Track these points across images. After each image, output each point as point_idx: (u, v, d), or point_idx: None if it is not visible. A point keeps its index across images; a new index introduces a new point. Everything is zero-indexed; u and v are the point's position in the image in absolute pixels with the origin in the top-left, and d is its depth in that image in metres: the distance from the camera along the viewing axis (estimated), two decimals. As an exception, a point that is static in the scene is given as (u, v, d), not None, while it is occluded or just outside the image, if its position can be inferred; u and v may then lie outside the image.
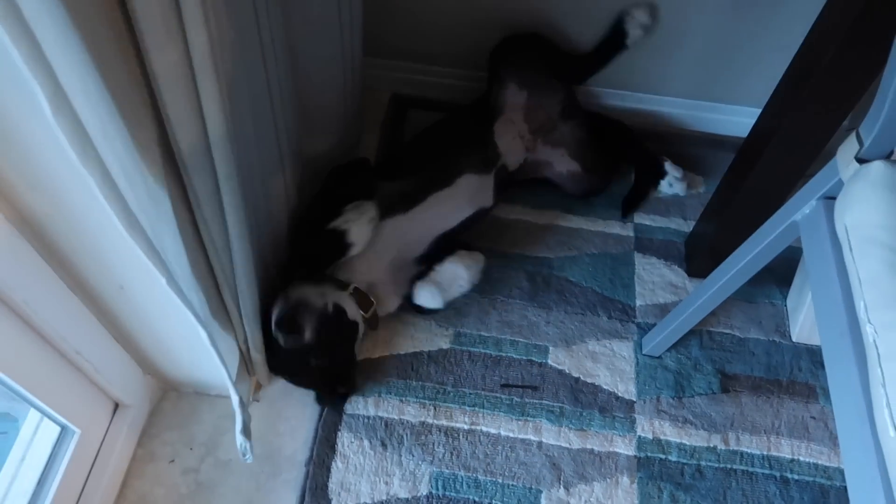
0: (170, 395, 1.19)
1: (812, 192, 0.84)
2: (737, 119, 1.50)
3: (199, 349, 0.90)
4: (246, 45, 0.79)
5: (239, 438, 1.01)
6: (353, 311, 1.14)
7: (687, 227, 1.42)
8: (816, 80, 0.97)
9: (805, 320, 1.25)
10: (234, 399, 0.97)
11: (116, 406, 1.11)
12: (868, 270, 0.69)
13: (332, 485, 1.11)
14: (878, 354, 0.65)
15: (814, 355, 1.27)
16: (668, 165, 1.44)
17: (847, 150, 0.77)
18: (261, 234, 1.03)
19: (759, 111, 1.18)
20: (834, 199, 0.80)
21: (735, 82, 1.47)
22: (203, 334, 0.83)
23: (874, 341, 0.66)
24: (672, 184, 1.45)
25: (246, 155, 0.84)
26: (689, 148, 1.54)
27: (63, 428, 1.01)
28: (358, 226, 1.11)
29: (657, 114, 1.55)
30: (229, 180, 0.76)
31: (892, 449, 0.61)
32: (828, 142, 1.05)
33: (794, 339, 1.28)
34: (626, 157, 1.49)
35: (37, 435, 1.02)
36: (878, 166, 0.73)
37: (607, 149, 1.44)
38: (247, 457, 1.03)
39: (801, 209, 0.86)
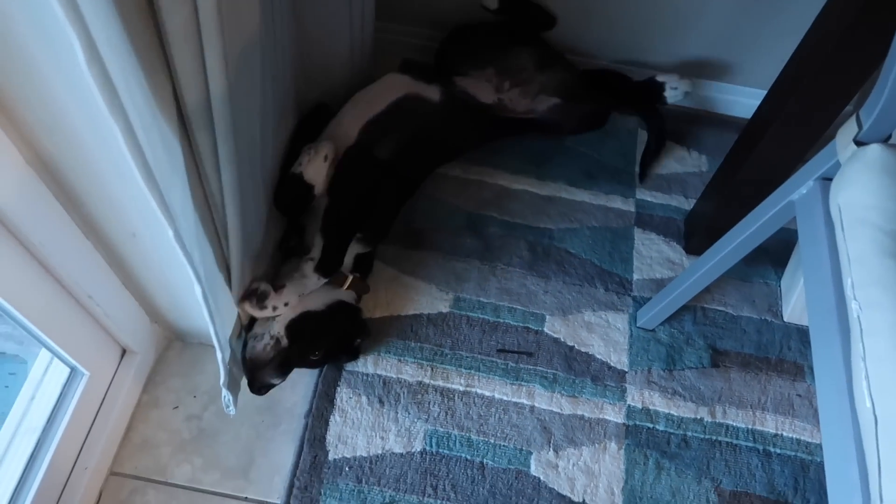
0: (175, 345, 1.22)
1: (810, 173, 0.86)
2: (743, 100, 1.51)
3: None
4: (253, 8, 0.81)
5: (223, 391, 1.04)
6: (351, 299, 1.21)
7: (688, 204, 1.44)
8: (821, 64, 0.99)
9: (797, 301, 1.28)
10: (219, 356, 0.99)
11: (124, 352, 1.14)
12: (857, 249, 0.71)
13: (330, 437, 1.14)
14: (861, 330, 0.68)
15: (803, 335, 1.30)
16: (660, 76, 1.45)
17: (846, 132, 0.79)
18: (262, 197, 1.05)
19: (765, 93, 1.19)
20: (830, 180, 0.82)
21: (744, 64, 1.48)
22: (197, 290, 0.84)
23: (858, 317, 0.69)
24: (676, 87, 1.45)
25: (249, 117, 0.86)
26: (694, 127, 1.55)
27: (72, 370, 1.04)
28: (313, 165, 1.12)
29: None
30: (227, 139, 0.78)
31: (867, 419, 0.65)
32: (829, 126, 1.07)
33: (785, 319, 1.31)
34: (622, 97, 1.50)
35: (46, 376, 1.06)
36: (874, 149, 0.75)
37: (595, 87, 1.46)
38: (229, 409, 1.05)
39: (798, 189, 0.88)
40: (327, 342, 1.15)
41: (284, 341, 1.10)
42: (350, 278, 1.20)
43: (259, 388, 1.11)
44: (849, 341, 0.71)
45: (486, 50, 1.40)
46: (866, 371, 0.66)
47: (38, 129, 0.72)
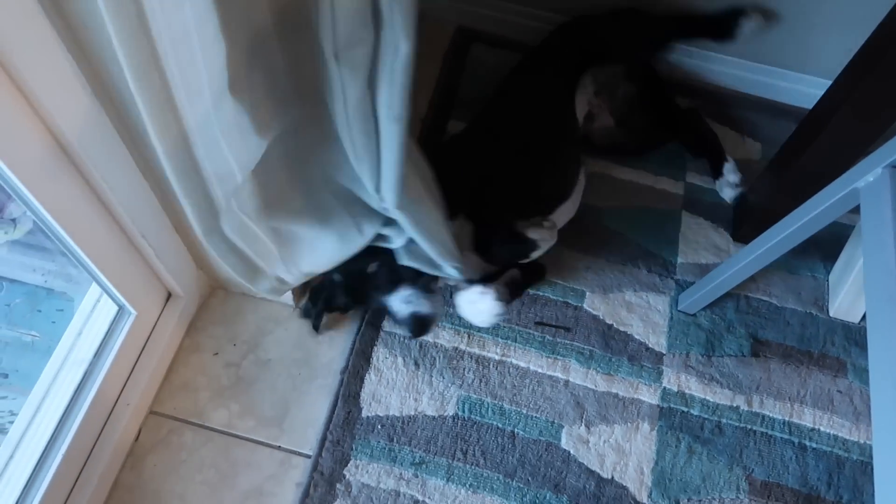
0: (218, 293, 1.24)
1: (879, 160, 0.84)
2: (802, 88, 1.47)
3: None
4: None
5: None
6: None
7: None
8: (893, 56, 0.95)
9: (846, 297, 1.25)
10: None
11: (169, 296, 1.16)
12: (927, 238, 0.69)
13: (364, 394, 1.16)
14: (925, 320, 0.66)
15: (849, 332, 1.27)
16: (727, 167, 1.40)
17: (924, 119, 0.77)
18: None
19: (827, 83, 1.16)
20: (901, 168, 0.80)
21: (809, 52, 1.44)
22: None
23: (923, 307, 0.67)
24: (723, 189, 1.40)
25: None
26: (749, 112, 1.52)
27: (120, 308, 1.07)
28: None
29: (721, 74, 1.52)
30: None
31: (925, 410, 0.63)
32: (895, 120, 1.03)
33: (831, 314, 1.29)
34: (686, 139, 1.46)
35: (94, 312, 1.08)
36: (953, 137, 0.73)
37: (656, 117, 1.42)
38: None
39: (864, 176, 0.86)
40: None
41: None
42: None
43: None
44: (909, 332, 0.69)
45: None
46: (928, 362, 0.64)
47: (108, 63, 0.73)
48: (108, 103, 0.78)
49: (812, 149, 1.12)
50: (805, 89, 1.45)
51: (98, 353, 1.04)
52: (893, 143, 0.82)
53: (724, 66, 1.51)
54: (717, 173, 1.41)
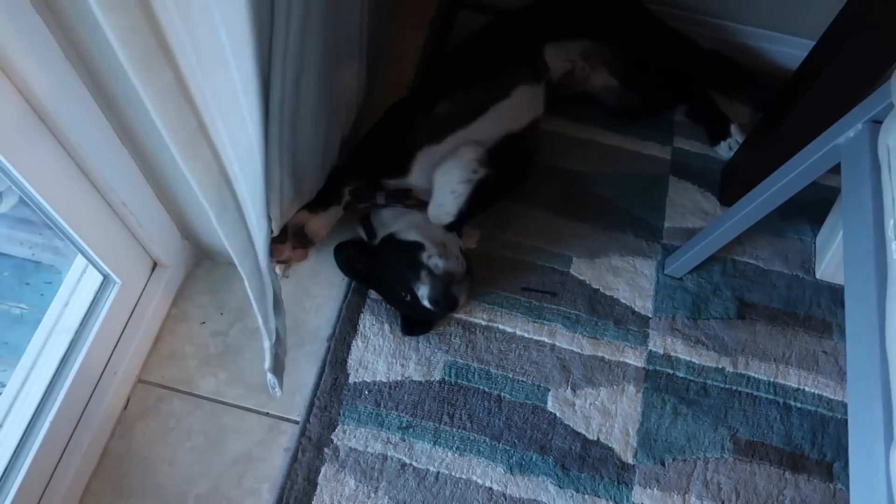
0: (204, 263, 1.24)
1: (859, 116, 0.83)
2: (788, 50, 1.46)
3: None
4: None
5: (269, 376, 1.03)
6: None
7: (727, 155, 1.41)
8: (871, 17, 0.95)
9: (832, 258, 1.25)
10: (266, 344, 1.00)
11: (154, 265, 1.16)
12: (903, 190, 0.69)
13: (352, 361, 1.16)
14: (899, 271, 0.66)
15: (835, 293, 1.27)
16: (734, 128, 1.40)
17: (903, 72, 0.76)
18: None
19: (811, 44, 1.15)
20: (880, 123, 0.79)
21: (796, 13, 1.42)
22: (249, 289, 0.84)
23: (897, 259, 0.67)
24: (732, 147, 1.39)
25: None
26: (737, 76, 1.50)
27: (105, 277, 1.07)
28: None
29: (709, 38, 1.50)
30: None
31: (896, 359, 0.63)
32: (875, 81, 1.02)
33: (817, 276, 1.29)
34: (687, 98, 1.46)
35: (80, 282, 1.09)
36: (931, 89, 0.72)
37: (660, 78, 1.41)
38: (275, 391, 1.05)
39: (845, 133, 0.85)
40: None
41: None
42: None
43: (451, 303, 1.12)
44: (885, 285, 0.69)
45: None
46: (901, 311, 0.64)
47: (78, 25, 0.72)
48: (80, 66, 0.78)
49: (795, 110, 1.11)
50: (791, 51, 1.44)
51: (83, 323, 1.04)
52: (873, 99, 0.82)
53: (712, 31, 1.49)
54: (723, 134, 1.40)
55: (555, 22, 1.34)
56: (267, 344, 1.01)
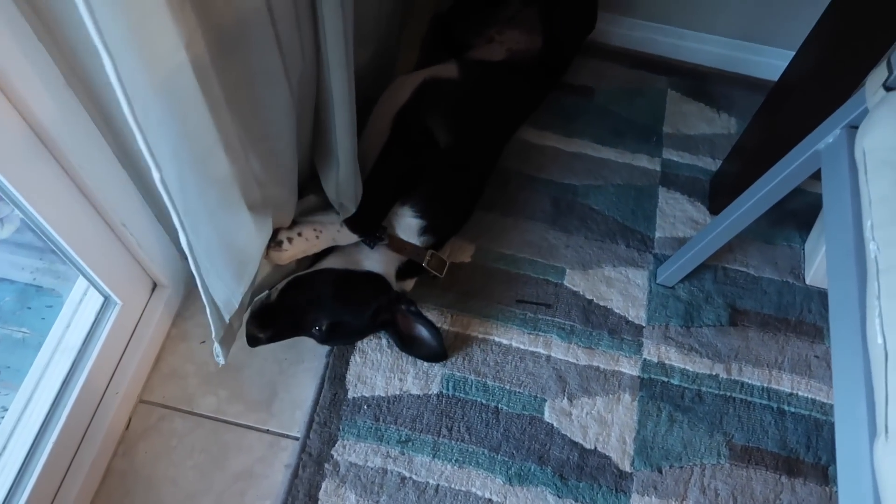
0: (203, 283, 1.26)
1: (837, 122, 0.86)
2: (773, 62, 1.49)
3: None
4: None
5: (215, 345, 1.04)
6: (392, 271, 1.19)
7: (715, 165, 1.44)
8: (847, 26, 0.98)
9: (821, 264, 1.28)
10: (208, 311, 0.99)
11: (155, 286, 1.18)
12: (879, 190, 0.71)
13: (350, 376, 1.18)
14: (878, 269, 0.68)
15: (825, 299, 1.29)
16: None
17: (876, 77, 0.79)
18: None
19: (792, 54, 1.18)
20: (857, 128, 0.81)
21: (779, 24, 1.46)
22: (182, 238, 0.84)
23: (875, 257, 0.69)
24: None
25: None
26: (723, 87, 1.54)
27: (106, 298, 1.09)
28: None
29: (695, 51, 1.55)
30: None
31: (877, 354, 0.65)
32: (854, 89, 1.05)
33: (807, 282, 1.31)
34: None
35: (82, 305, 1.10)
36: (903, 93, 0.75)
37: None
38: (219, 358, 1.05)
39: (824, 138, 0.88)
40: (329, 312, 1.10)
41: (274, 295, 1.10)
42: (427, 255, 1.17)
43: (247, 335, 1.10)
44: (864, 283, 0.71)
45: (480, 15, 1.39)
46: (880, 308, 0.66)
47: (79, 51, 0.75)
48: (81, 91, 0.80)
49: (778, 119, 1.14)
50: (775, 62, 1.47)
51: (85, 344, 1.06)
52: (849, 105, 0.85)
53: (697, 43, 1.53)
54: None
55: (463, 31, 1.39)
56: (208, 310, 0.99)
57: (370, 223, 1.14)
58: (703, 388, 1.19)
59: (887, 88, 0.77)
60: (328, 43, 0.83)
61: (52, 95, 0.77)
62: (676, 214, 1.38)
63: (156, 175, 0.72)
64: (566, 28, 1.43)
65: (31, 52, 0.72)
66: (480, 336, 1.23)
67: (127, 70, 0.59)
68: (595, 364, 1.21)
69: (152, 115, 0.65)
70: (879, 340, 0.65)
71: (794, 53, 1.18)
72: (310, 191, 1.14)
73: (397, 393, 1.17)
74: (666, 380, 1.20)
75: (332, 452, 1.11)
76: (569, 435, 1.14)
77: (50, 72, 0.75)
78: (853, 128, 0.83)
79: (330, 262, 1.15)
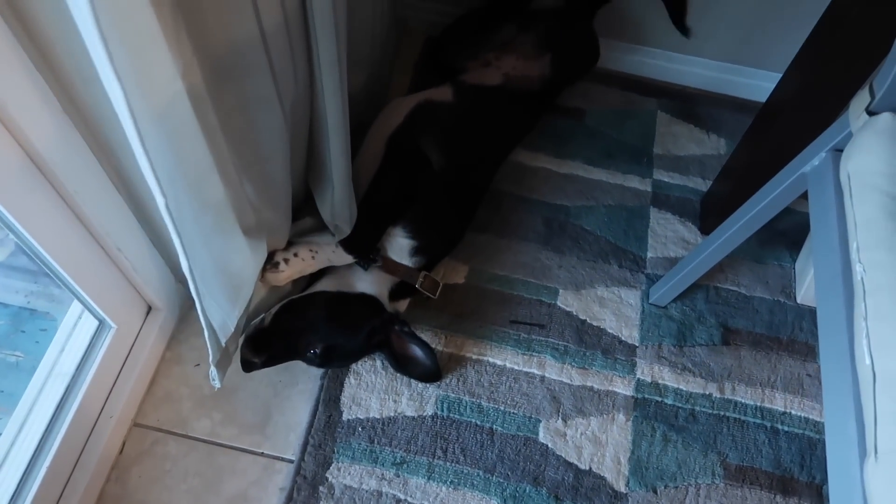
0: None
1: (822, 145, 0.87)
2: (762, 84, 1.52)
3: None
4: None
5: (211, 369, 1.04)
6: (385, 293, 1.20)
7: (705, 186, 1.45)
8: (833, 48, 1.00)
9: (811, 283, 1.29)
10: (206, 333, 0.99)
11: (149, 309, 1.18)
12: (864, 214, 0.73)
13: (345, 398, 1.18)
14: (864, 291, 0.69)
15: (815, 317, 1.29)
16: None
17: (859, 102, 0.81)
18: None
19: (779, 76, 1.20)
20: (842, 151, 0.83)
21: (767, 47, 1.48)
22: (184, 263, 0.84)
23: (862, 279, 0.70)
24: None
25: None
26: (712, 109, 1.57)
27: (101, 322, 1.09)
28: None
29: (685, 73, 1.57)
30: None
31: (866, 375, 0.66)
32: (841, 110, 1.07)
33: (798, 301, 1.32)
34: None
35: (76, 329, 1.10)
36: (885, 117, 0.77)
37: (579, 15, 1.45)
38: (214, 382, 1.05)
39: (810, 161, 0.89)
40: (324, 335, 1.11)
41: (268, 319, 1.10)
42: (421, 276, 1.17)
43: (241, 361, 1.10)
44: (852, 304, 0.72)
45: (475, 38, 1.41)
46: (867, 330, 0.67)
47: (75, 78, 0.76)
48: (78, 118, 0.81)
49: (766, 140, 1.16)
50: (762, 84, 1.50)
51: (80, 367, 1.06)
52: (834, 128, 0.86)
53: (686, 65, 1.56)
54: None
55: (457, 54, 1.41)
56: (206, 334, 0.99)
57: (365, 244, 1.15)
58: (697, 408, 1.20)
59: (870, 113, 0.79)
60: (322, 69, 0.84)
61: (48, 121, 0.78)
62: (668, 235, 1.39)
63: (160, 201, 0.73)
64: (573, 65, 1.47)
65: (27, 78, 0.73)
66: (474, 357, 1.23)
67: (132, 99, 0.60)
68: (589, 384, 1.21)
69: (148, 143, 0.66)
70: (867, 361, 0.66)
71: (780, 76, 1.21)
72: (305, 213, 1.16)
73: (392, 414, 1.17)
74: (660, 399, 1.20)
75: (327, 475, 1.11)
76: (563, 456, 1.14)
77: (46, 98, 0.76)
78: (838, 151, 0.85)
79: (323, 285, 1.16)
